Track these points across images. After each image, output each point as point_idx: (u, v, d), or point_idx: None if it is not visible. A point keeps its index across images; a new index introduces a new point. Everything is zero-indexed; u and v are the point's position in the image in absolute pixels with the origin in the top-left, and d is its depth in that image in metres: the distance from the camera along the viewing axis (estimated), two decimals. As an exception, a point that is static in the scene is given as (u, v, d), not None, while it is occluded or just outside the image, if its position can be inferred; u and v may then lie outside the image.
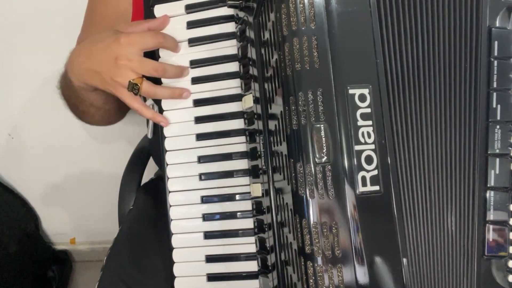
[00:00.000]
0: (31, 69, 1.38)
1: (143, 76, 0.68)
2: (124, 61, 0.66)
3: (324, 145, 0.54)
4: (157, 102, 0.72)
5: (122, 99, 0.70)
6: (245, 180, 0.70)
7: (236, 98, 0.69)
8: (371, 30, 0.56)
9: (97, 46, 0.69)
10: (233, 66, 0.69)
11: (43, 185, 1.57)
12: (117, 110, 0.89)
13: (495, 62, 0.62)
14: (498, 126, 0.62)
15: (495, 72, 0.61)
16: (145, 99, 0.71)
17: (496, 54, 0.61)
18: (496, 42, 0.61)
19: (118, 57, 0.66)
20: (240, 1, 0.65)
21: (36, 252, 1.56)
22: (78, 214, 1.62)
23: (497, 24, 0.62)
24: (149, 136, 0.87)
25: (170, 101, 0.71)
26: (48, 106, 1.42)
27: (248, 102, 0.66)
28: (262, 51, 0.62)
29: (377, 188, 0.55)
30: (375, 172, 0.55)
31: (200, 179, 0.71)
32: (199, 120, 0.71)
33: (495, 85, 0.62)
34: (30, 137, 1.50)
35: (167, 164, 0.72)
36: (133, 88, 0.67)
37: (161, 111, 0.72)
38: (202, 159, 0.71)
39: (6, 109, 1.45)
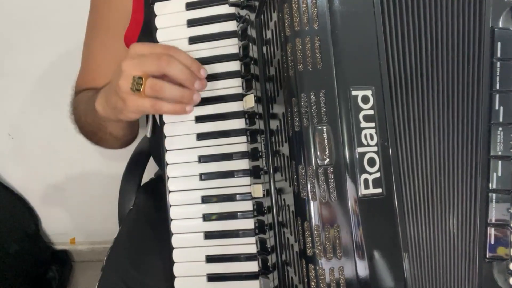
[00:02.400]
0: (31, 69, 1.38)
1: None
2: (125, 66, 0.63)
3: (327, 147, 0.53)
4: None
5: (130, 110, 0.65)
6: (246, 180, 0.69)
7: (237, 97, 0.69)
8: (375, 31, 0.56)
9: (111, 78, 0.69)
10: (234, 65, 0.69)
11: (43, 185, 1.57)
12: (132, 138, 0.93)
13: (498, 64, 0.61)
14: (500, 128, 0.62)
15: (498, 74, 0.61)
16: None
17: (499, 55, 0.61)
18: (499, 43, 0.61)
19: (121, 67, 0.63)
20: (242, 0, 0.65)
21: (36, 252, 1.56)
22: (78, 214, 1.63)
23: (500, 25, 0.61)
24: (148, 135, 0.86)
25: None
26: (48, 106, 1.43)
27: (249, 102, 0.66)
28: (264, 50, 0.61)
29: (379, 190, 0.55)
30: (378, 175, 0.55)
31: (201, 179, 0.70)
32: (199, 119, 0.70)
33: (497, 86, 0.61)
34: (30, 137, 1.50)
35: (167, 164, 0.71)
36: (137, 83, 0.61)
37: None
38: (202, 159, 0.70)
39: (6, 109, 1.45)
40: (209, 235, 0.71)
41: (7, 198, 1.51)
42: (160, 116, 0.72)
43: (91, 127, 0.85)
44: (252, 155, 0.68)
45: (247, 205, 0.69)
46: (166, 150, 0.71)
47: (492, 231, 0.62)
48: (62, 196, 1.58)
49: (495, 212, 0.62)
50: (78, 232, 1.67)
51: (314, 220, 0.53)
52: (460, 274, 0.61)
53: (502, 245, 0.62)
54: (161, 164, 0.73)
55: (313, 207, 0.53)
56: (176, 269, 0.72)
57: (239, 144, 0.70)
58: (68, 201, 1.59)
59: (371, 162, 0.55)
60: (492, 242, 0.62)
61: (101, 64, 0.89)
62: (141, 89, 0.61)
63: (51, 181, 1.56)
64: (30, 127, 1.47)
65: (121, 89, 0.63)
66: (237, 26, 0.68)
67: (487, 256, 0.62)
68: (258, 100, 0.65)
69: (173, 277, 0.72)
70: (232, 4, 0.67)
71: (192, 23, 0.70)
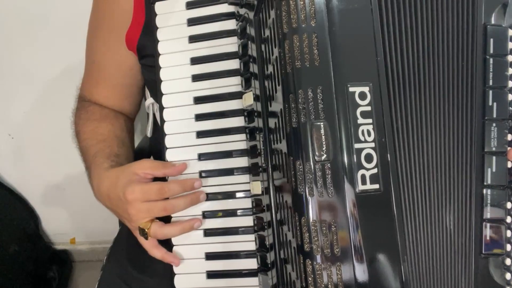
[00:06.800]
0: (31, 69, 1.38)
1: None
2: (133, 210, 0.69)
3: (324, 143, 0.54)
4: (158, 100, 0.73)
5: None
6: (245, 178, 0.70)
7: (237, 95, 0.69)
8: (372, 27, 0.57)
9: (113, 196, 0.72)
10: (234, 64, 0.70)
11: (43, 185, 1.56)
12: None
13: (491, 60, 0.62)
14: (494, 124, 0.62)
15: (491, 70, 0.62)
16: (145, 96, 0.70)
17: (491, 51, 0.62)
18: (491, 40, 0.62)
19: (128, 209, 0.69)
20: (241, -2, 0.66)
21: (36, 252, 1.56)
22: (78, 214, 1.62)
23: (493, 21, 0.62)
24: (149, 134, 0.87)
25: (171, 99, 0.71)
26: (49, 106, 1.43)
27: (248, 100, 0.67)
28: (263, 48, 0.62)
29: (376, 186, 0.55)
30: (375, 171, 0.55)
31: (200, 176, 0.71)
32: (199, 117, 0.71)
33: (491, 82, 0.62)
34: (30, 137, 1.50)
35: (168, 162, 0.72)
36: (143, 233, 0.69)
37: (162, 108, 0.72)
38: (202, 157, 0.71)
39: (6, 109, 1.45)
40: (208, 233, 0.71)
41: (7, 198, 1.51)
42: (161, 115, 0.72)
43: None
44: (251, 152, 0.68)
45: (247, 203, 0.70)
46: (167, 148, 0.72)
47: (487, 227, 0.62)
48: (62, 196, 1.58)
49: (490, 208, 0.62)
50: (78, 232, 1.66)
51: (312, 215, 0.54)
52: (457, 270, 0.62)
53: (497, 240, 0.62)
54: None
55: (310, 203, 0.54)
56: (176, 266, 0.72)
57: (239, 142, 0.70)
58: (68, 201, 1.59)
59: (369, 158, 0.55)
60: (488, 238, 0.62)
61: (103, 66, 0.88)
62: (147, 237, 0.70)
63: (51, 181, 1.55)
64: (30, 127, 1.47)
65: (133, 227, 0.72)
66: (237, 25, 0.69)
67: (483, 252, 0.62)
68: (257, 98, 0.65)
69: (172, 275, 0.72)
70: (231, 3, 0.67)
71: (192, 22, 0.71)
